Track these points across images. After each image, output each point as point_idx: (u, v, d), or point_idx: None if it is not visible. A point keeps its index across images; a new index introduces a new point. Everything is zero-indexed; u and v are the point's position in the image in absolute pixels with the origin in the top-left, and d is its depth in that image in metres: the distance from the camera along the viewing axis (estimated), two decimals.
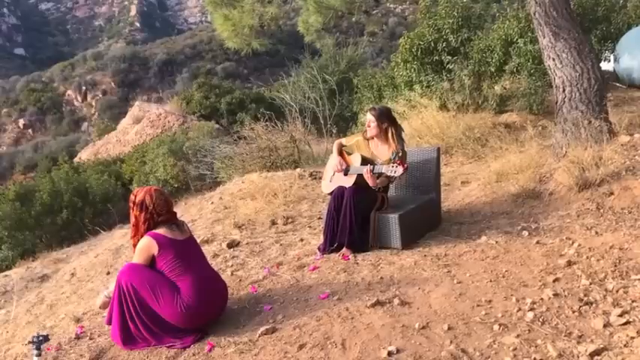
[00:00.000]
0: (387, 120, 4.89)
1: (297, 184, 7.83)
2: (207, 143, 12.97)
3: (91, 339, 4.01)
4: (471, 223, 5.21)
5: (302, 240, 5.52)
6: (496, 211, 5.38)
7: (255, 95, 24.80)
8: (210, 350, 3.41)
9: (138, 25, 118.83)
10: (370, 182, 4.60)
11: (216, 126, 20.82)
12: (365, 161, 4.79)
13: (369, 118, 4.94)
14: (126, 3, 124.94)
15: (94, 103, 76.04)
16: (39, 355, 3.50)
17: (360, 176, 4.68)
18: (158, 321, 3.60)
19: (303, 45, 16.35)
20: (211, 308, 3.72)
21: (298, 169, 8.77)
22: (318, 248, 4.93)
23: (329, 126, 12.42)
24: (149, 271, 3.65)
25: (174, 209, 3.92)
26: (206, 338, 3.57)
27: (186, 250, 3.71)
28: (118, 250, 8.23)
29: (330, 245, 4.78)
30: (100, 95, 77.07)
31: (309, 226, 6.04)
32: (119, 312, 3.65)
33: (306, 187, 7.73)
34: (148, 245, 3.63)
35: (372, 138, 4.98)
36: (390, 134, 4.85)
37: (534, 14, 6.06)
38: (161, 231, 3.66)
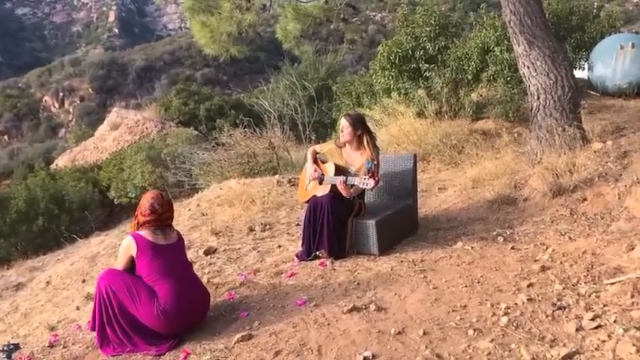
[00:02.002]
0: (362, 127, 4.91)
1: (275, 190, 7.82)
2: (185, 150, 12.89)
3: (64, 347, 3.96)
4: (447, 229, 5.26)
5: (280, 246, 5.51)
6: (472, 217, 5.44)
7: (234, 102, 24.77)
8: (185, 357, 3.38)
9: (116, 31, 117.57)
10: (344, 193, 4.63)
11: (195, 132, 20.71)
12: (338, 170, 4.81)
13: (342, 124, 4.97)
14: (104, 9, 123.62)
15: (71, 110, 75.01)
16: None
17: (334, 185, 4.70)
18: (136, 325, 3.60)
19: (283, 52, 16.36)
20: (190, 316, 3.71)
21: (277, 176, 8.75)
22: (297, 255, 4.93)
23: (308, 133, 12.44)
24: (128, 275, 3.68)
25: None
26: (181, 345, 3.55)
27: (166, 256, 3.70)
28: (95, 258, 8.13)
29: (308, 255, 4.79)
30: (78, 101, 76.02)
31: (287, 233, 6.03)
32: (99, 316, 3.67)
33: (284, 193, 7.72)
34: (127, 245, 3.69)
35: (345, 145, 5.00)
36: (365, 141, 4.87)
37: (509, 23, 6.15)
38: (143, 233, 3.70)
